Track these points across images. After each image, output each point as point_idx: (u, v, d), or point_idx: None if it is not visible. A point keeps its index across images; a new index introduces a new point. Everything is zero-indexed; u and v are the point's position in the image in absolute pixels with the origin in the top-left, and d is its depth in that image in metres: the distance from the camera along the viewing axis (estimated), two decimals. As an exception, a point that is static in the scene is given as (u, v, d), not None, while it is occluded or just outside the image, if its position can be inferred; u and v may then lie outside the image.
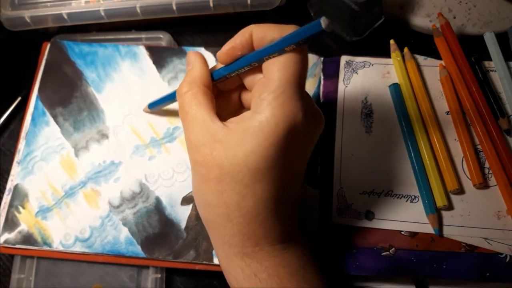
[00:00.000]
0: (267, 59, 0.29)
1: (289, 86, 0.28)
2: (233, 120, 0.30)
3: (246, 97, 0.34)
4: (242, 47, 0.30)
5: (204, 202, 0.31)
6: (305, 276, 0.31)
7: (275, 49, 0.28)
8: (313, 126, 0.32)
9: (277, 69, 0.28)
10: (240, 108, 0.35)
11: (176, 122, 0.42)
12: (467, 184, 0.38)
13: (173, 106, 0.42)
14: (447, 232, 0.37)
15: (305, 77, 0.30)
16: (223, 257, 0.32)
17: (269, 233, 0.30)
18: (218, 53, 0.31)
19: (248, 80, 0.32)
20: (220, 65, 0.32)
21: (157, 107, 0.41)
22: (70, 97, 0.43)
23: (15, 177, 0.41)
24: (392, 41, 0.44)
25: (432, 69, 0.43)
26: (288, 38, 0.28)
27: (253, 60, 0.30)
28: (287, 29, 0.29)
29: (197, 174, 0.31)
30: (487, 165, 0.39)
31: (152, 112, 0.42)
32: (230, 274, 0.32)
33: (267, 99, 0.28)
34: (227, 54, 0.31)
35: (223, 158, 0.29)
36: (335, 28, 0.48)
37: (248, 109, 0.33)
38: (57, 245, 0.38)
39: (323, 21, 0.26)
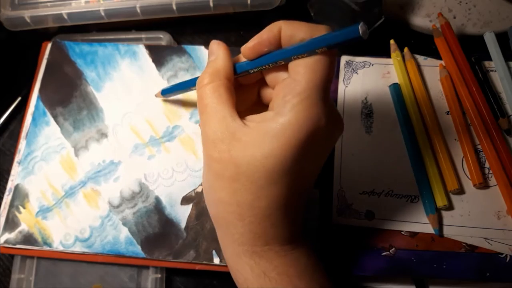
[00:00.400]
0: (295, 59, 0.28)
1: (316, 90, 0.28)
2: (253, 119, 0.30)
3: (265, 93, 0.33)
4: (269, 44, 0.29)
5: (216, 199, 0.31)
6: (314, 275, 0.31)
7: (306, 50, 0.27)
8: (334, 131, 0.31)
9: (304, 72, 0.28)
10: (257, 103, 0.34)
11: (176, 121, 0.42)
12: (467, 184, 0.38)
13: (174, 104, 0.42)
14: (447, 232, 0.37)
15: (331, 81, 0.29)
16: (231, 255, 0.32)
17: (279, 234, 0.30)
18: (243, 48, 0.30)
19: (271, 77, 0.31)
20: (243, 58, 0.31)
21: (170, 94, 0.40)
22: (70, 97, 0.43)
23: (15, 177, 0.41)
24: (392, 41, 0.44)
25: (432, 69, 0.43)
26: (321, 40, 0.27)
27: (280, 58, 0.29)
28: (319, 30, 0.28)
29: (211, 170, 0.30)
30: (487, 165, 0.39)
31: (164, 98, 0.42)
32: (238, 272, 0.31)
33: (292, 101, 0.27)
34: (253, 50, 0.30)
35: (240, 157, 0.28)
36: (335, 28, 0.48)
37: (267, 104, 0.32)
38: (57, 245, 0.38)
39: (361, 27, 0.25)
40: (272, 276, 0.30)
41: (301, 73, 0.28)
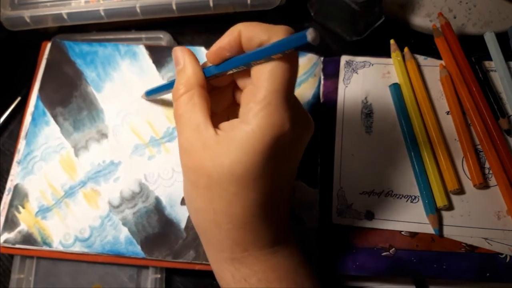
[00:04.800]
0: (254, 65, 0.28)
1: (276, 96, 0.28)
2: (223, 127, 0.30)
3: (239, 94, 0.33)
4: (230, 48, 0.30)
5: (194, 207, 0.31)
6: (295, 279, 0.31)
7: (261, 56, 0.28)
8: (302, 133, 0.31)
9: (263, 78, 0.28)
10: (234, 103, 0.35)
11: (176, 122, 0.42)
12: (467, 184, 0.38)
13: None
14: (447, 232, 0.37)
15: (294, 84, 0.29)
16: (214, 262, 0.32)
17: (258, 239, 0.30)
18: (207, 53, 0.31)
19: (240, 81, 0.32)
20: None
21: (155, 95, 0.41)
22: (70, 97, 0.43)
23: (15, 177, 0.41)
24: (392, 41, 0.44)
25: (432, 69, 0.43)
26: (273, 47, 0.27)
27: (240, 64, 0.29)
28: (276, 32, 0.28)
29: (188, 179, 0.31)
30: (487, 165, 0.39)
31: (148, 100, 0.42)
32: (221, 279, 0.32)
33: (254, 109, 0.28)
34: (216, 54, 0.30)
35: (210, 166, 0.28)
36: (335, 28, 0.48)
37: None
38: (56, 245, 0.38)
39: (309, 34, 0.25)
40: (252, 282, 0.30)
41: (261, 79, 0.28)
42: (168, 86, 0.38)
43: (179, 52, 0.32)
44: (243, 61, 0.29)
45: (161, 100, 0.43)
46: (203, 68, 0.32)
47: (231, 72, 0.31)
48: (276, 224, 0.31)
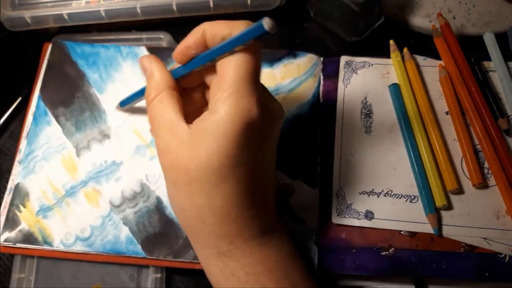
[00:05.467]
0: (219, 59, 0.29)
1: (242, 83, 0.29)
2: (196, 122, 0.30)
3: (208, 94, 0.34)
4: (195, 46, 0.31)
5: (178, 206, 0.32)
6: (285, 271, 0.32)
7: (224, 50, 0.29)
8: (272, 118, 0.32)
9: (228, 69, 0.29)
10: (205, 105, 0.35)
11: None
12: (467, 184, 0.39)
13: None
14: (447, 232, 0.37)
15: (259, 72, 0.30)
16: (202, 258, 0.33)
17: (243, 230, 0.31)
18: (174, 53, 0.32)
19: (208, 78, 0.33)
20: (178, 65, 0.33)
21: (129, 104, 0.41)
22: (72, 98, 0.43)
23: (16, 176, 0.41)
24: (391, 41, 0.44)
25: (431, 69, 0.43)
26: (234, 39, 0.28)
27: (206, 61, 0.30)
28: (237, 26, 0.29)
29: (168, 179, 0.31)
30: (486, 165, 0.39)
31: (124, 110, 0.42)
32: (211, 274, 0.32)
33: (221, 98, 0.28)
34: (182, 54, 0.31)
35: (188, 161, 0.29)
36: (334, 28, 0.48)
37: None
38: (57, 244, 0.38)
39: (266, 23, 0.26)
40: (240, 276, 0.30)
41: (226, 70, 0.29)
42: (141, 93, 0.38)
43: (146, 60, 0.33)
44: (208, 57, 0.30)
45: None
46: (172, 71, 0.33)
47: (198, 69, 0.31)
48: (261, 214, 0.31)
